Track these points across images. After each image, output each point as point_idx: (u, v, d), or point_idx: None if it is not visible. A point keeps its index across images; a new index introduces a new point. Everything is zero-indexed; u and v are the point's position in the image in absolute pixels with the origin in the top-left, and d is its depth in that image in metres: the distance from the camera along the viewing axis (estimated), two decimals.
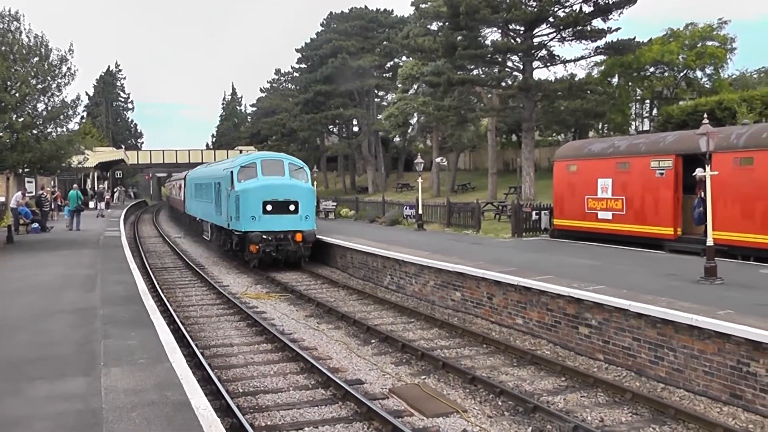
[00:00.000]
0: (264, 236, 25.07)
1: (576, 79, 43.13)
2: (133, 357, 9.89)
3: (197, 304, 19.46)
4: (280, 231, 25.44)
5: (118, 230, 34.57)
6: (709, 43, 45.58)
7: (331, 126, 78.83)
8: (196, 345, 13.84)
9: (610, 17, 37.75)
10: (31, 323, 12.47)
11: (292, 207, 25.67)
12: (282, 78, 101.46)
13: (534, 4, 38.55)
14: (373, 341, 14.91)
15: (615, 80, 49.22)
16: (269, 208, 25.27)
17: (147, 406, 7.70)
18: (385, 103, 72.92)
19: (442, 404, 10.72)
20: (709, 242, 15.02)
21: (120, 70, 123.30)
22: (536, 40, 39.72)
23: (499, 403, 10.84)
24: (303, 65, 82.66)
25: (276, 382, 11.94)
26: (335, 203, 47.00)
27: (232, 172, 26.85)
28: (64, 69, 27.70)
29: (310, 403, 10.75)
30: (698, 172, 18.39)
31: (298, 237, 25.58)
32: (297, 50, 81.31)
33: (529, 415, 10.22)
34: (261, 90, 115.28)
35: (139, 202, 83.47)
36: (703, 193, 18.07)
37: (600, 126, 52.73)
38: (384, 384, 11.88)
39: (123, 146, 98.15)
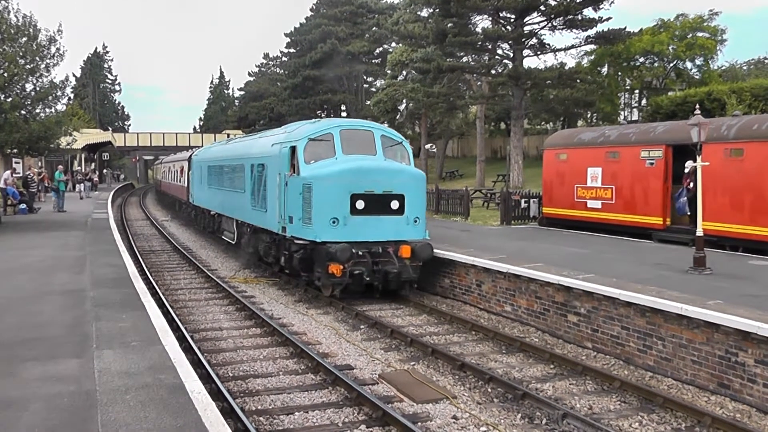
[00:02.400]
0: (354, 250, 16.45)
1: (566, 68, 43.16)
2: (125, 339, 9.87)
3: (186, 287, 19.44)
4: (377, 242, 16.90)
5: (105, 212, 34.35)
6: (700, 34, 45.68)
7: (320, 111, 78.73)
8: (186, 329, 13.83)
9: (601, 6, 37.68)
10: (21, 305, 12.41)
11: (394, 204, 16.93)
12: (270, 62, 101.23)
13: None
14: (362, 327, 14.96)
15: (605, 70, 49.29)
16: (360, 205, 16.54)
17: (141, 388, 7.69)
18: (374, 89, 72.86)
19: (432, 390, 10.75)
20: (699, 233, 15.10)
21: (107, 52, 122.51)
22: (527, 28, 39.64)
23: (489, 390, 10.89)
24: (292, 50, 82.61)
25: (266, 367, 11.96)
26: None
27: (293, 147, 17.55)
28: (53, 49, 27.55)
29: (300, 388, 10.78)
30: (689, 164, 18.49)
31: (405, 251, 16.85)
32: (286, 35, 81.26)
33: (518, 402, 10.27)
34: (249, 74, 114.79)
35: (126, 185, 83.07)
36: (692, 184, 18.16)
37: (589, 115, 52.86)
38: (373, 370, 11.91)
39: (110, 128, 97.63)
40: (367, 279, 16.59)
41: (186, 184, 36.99)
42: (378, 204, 16.75)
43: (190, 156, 36.11)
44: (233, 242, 25.05)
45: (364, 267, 16.50)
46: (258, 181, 20.58)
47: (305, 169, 16.91)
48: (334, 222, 16.37)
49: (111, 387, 7.76)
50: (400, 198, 17.00)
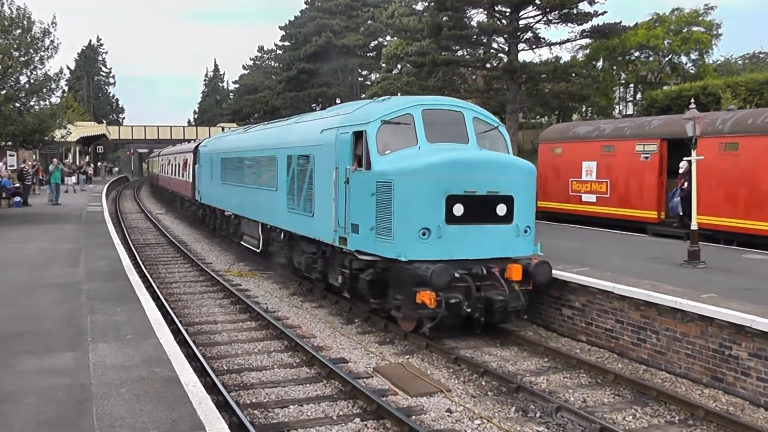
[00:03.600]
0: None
1: (561, 62, 43.08)
2: (120, 333, 9.87)
3: (180, 281, 19.42)
4: (478, 260, 12.80)
5: (100, 205, 34.30)
6: (695, 28, 45.62)
7: (314, 104, 78.65)
8: (180, 322, 13.84)
9: (596, 1, 37.68)
10: (16, 298, 12.42)
11: (501, 209, 12.95)
12: (265, 55, 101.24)
13: None
14: (356, 320, 14.95)
15: (600, 64, 49.22)
16: (459, 211, 12.56)
17: (136, 382, 7.70)
18: (368, 83, 72.75)
19: (426, 384, 10.78)
20: (693, 226, 15.14)
21: (101, 45, 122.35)
22: (522, 22, 39.56)
23: (483, 383, 10.92)
24: (287, 43, 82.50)
25: (260, 360, 11.99)
26: None
27: (359, 134, 13.66)
28: (47, 42, 27.47)
29: (295, 381, 10.80)
30: (683, 164, 18.57)
31: (515, 272, 12.85)
32: (281, 27, 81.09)
33: (513, 395, 10.30)
34: (244, 67, 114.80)
35: (120, 178, 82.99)
36: (686, 184, 18.24)
37: (584, 109, 52.85)
38: (368, 363, 11.93)
39: (104, 121, 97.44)
40: (467, 310, 12.43)
41: (191, 179, 32.54)
42: (481, 209, 12.78)
43: (197, 147, 31.60)
44: (258, 250, 20.74)
45: (463, 294, 12.39)
46: (299, 176, 16.61)
47: (380, 162, 12.96)
48: (424, 233, 12.35)
49: (106, 380, 7.77)
50: (509, 201, 12.97)
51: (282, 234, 18.34)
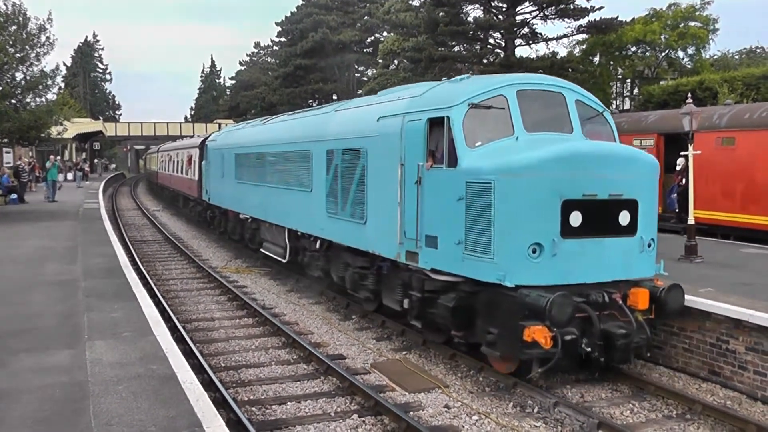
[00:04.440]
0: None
1: (558, 57, 43.10)
2: (117, 330, 9.88)
3: (177, 278, 19.42)
4: (596, 284, 10.19)
5: (97, 202, 34.28)
6: (692, 23, 45.63)
7: (311, 101, 78.64)
8: (177, 319, 13.84)
9: None
10: (12, 295, 12.42)
11: (624, 217, 10.36)
12: (261, 51, 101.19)
13: None
14: (353, 317, 14.93)
15: (596, 59, 49.23)
16: (576, 220, 9.92)
17: (133, 379, 7.70)
18: (365, 79, 72.69)
19: (424, 379, 10.78)
20: (690, 221, 15.15)
21: (98, 41, 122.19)
22: (519, 17, 39.64)
23: (480, 379, 10.92)
24: (283, 39, 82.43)
25: (258, 357, 11.98)
26: None
27: (437, 121, 11.00)
28: (43, 38, 27.45)
29: (293, 378, 10.80)
30: (680, 161, 18.58)
31: (641, 298, 10.31)
32: (277, 23, 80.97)
33: (510, 391, 10.30)
34: (240, 63, 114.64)
35: (117, 175, 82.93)
36: (683, 180, 18.26)
37: None
38: (365, 359, 11.91)
39: (101, 118, 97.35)
40: (587, 349, 9.79)
41: (197, 177, 30.22)
42: (601, 218, 10.10)
43: (203, 142, 29.32)
44: (283, 260, 18.29)
45: (580, 328, 9.79)
46: (344, 175, 14.00)
47: (470, 157, 10.26)
48: (534, 251, 9.67)
49: (103, 378, 7.76)
50: (632, 206, 10.33)
51: (317, 243, 15.84)
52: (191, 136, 46.08)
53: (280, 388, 10.36)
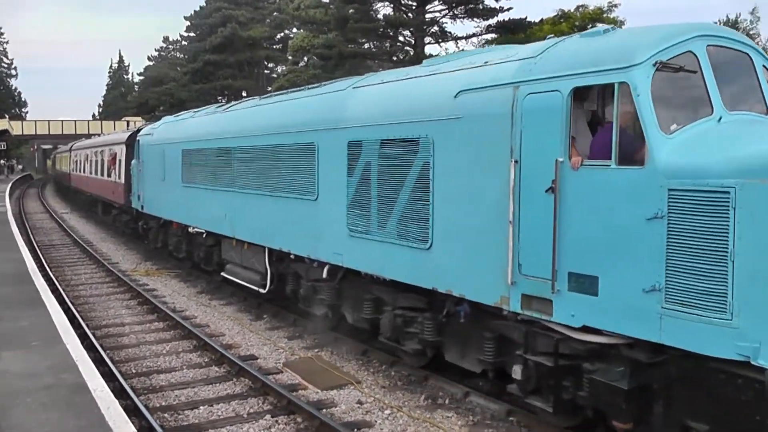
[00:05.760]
0: None
1: None
2: (25, 340, 9.78)
3: (87, 282, 19.12)
4: None
5: (3, 206, 33.34)
6: (600, 25, 46.86)
7: (220, 97, 77.84)
8: (87, 326, 13.66)
9: None
10: None
11: None
12: (171, 46, 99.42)
13: None
14: (265, 316, 14.98)
15: None
16: None
17: (43, 390, 7.69)
18: (275, 75, 72.29)
19: (337, 376, 10.93)
20: None
21: (2, 34, 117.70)
22: (428, 15, 40.15)
23: (392, 374, 11.10)
24: (192, 33, 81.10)
25: (170, 361, 11.94)
26: None
27: (615, 89, 6.92)
28: None
29: (205, 381, 10.82)
30: None
31: None
32: (186, 18, 79.66)
33: (422, 384, 10.51)
34: (149, 58, 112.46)
35: (25, 176, 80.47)
36: None
37: None
38: (277, 359, 12.01)
39: (7, 116, 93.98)
40: None
41: (122, 180, 26.35)
42: None
43: (132, 136, 25.07)
44: (262, 289, 14.40)
45: None
46: (384, 176, 10.13)
47: (669, 148, 6.67)
48: None
49: (11, 390, 7.72)
50: None
51: (325, 270, 12.02)
52: (99, 135, 44.16)
53: (192, 393, 10.35)
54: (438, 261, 9.15)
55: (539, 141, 7.62)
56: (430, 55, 39.57)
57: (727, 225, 6.06)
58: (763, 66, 7.94)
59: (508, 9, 39.05)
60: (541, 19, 43.31)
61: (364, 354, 12.03)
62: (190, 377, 11.08)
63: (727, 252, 6.07)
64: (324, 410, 9.46)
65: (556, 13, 47.86)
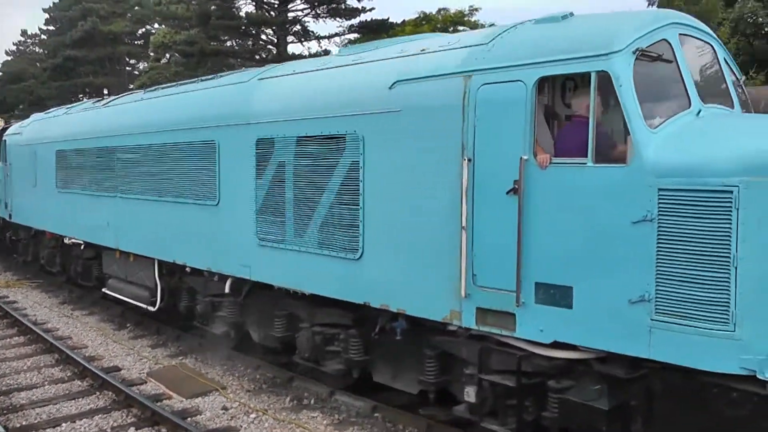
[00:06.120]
0: None
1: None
2: None
3: None
4: None
5: None
6: (461, 28, 47.96)
7: (81, 95, 75.32)
8: None
9: None
10: None
11: None
12: (29, 40, 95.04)
13: None
14: (128, 325, 14.84)
15: None
16: None
17: None
18: (137, 72, 70.58)
19: (201, 383, 10.99)
20: None
21: None
22: (291, 14, 40.28)
23: (257, 377, 11.26)
24: (51, 27, 78.02)
25: (31, 378, 11.65)
26: None
27: (595, 78, 6.24)
28: None
29: (67, 397, 10.65)
30: None
31: None
32: (44, 10, 76.56)
33: (287, 386, 10.71)
34: (6, 53, 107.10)
35: None
36: None
37: None
38: (141, 369, 11.95)
39: None
40: None
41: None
42: None
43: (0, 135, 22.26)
44: (152, 307, 13.15)
45: None
46: (303, 178, 9.11)
47: (656, 143, 6.06)
48: None
49: None
50: None
51: (227, 285, 10.95)
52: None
53: (54, 410, 10.14)
54: (371, 273, 8.21)
55: (497, 137, 6.84)
56: (293, 55, 39.86)
57: (729, 227, 5.54)
58: (724, 59, 7.60)
59: (371, 9, 39.72)
60: (403, 21, 44.14)
61: (228, 359, 12.06)
62: (52, 393, 10.87)
63: (728, 257, 5.55)
64: (189, 419, 9.49)
65: (418, 15, 48.96)
